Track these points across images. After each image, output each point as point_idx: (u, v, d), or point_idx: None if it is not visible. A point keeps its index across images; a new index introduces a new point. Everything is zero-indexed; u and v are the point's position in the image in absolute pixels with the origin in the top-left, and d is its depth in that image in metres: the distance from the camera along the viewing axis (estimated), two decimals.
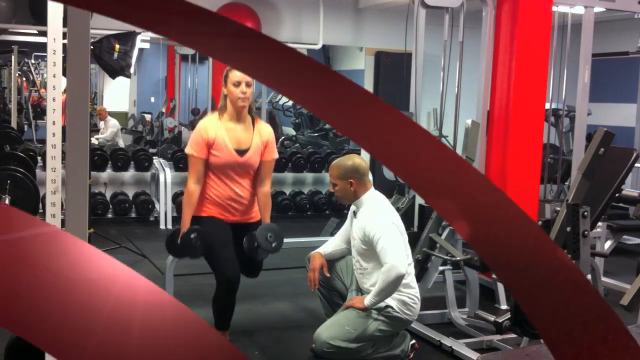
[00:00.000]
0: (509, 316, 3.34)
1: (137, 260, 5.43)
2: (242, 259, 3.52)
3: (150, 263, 5.35)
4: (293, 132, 11.99)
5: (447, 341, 3.85)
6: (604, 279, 4.83)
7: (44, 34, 3.59)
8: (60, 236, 0.47)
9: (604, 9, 5.26)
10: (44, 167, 6.00)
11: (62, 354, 0.42)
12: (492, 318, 3.47)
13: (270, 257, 3.63)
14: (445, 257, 4.06)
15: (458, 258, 3.98)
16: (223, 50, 0.48)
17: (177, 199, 7.16)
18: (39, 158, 6.55)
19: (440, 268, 4.23)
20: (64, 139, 2.30)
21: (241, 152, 3.55)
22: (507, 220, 0.49)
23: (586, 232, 3.18)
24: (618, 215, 5.90)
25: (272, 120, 11.57)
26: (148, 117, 11.81)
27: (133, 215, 7.30)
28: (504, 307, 3.90)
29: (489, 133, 4.83)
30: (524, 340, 3.52)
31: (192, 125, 10.33)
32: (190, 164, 3.55)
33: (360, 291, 3.60)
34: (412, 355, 3.64)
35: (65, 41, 2.05)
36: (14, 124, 8.95)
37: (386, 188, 4.54)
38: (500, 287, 4.11)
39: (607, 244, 5.35)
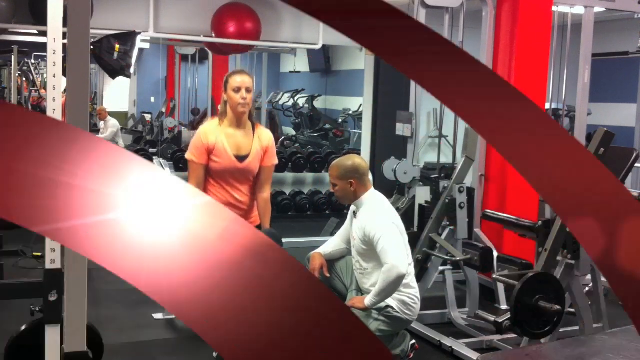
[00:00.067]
0: (509, 316, 3.34)
1: None
2: None
3: None
4: (293, 132, 12.00)
5: (447, 341, 3.85)
6: (604, 278, 4.82)
7: (44, 34, 3.59)
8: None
9: (604, 9, 5.26)
10: None
11: None
12: (492, 318, 3.47)
13: None
14: (445, 257, 4.06)
15: (458, 258, 3.98)
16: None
17: None
18: None
19: (440, 268, 4.23)
20: None
21: (241, 158, 3.55)
22: None
23: None
24: None
25: (272, 121, 11.57)
26: (148, 117, 11.82)
27: None
28: (504, 307, 3.90)
29: None
30: (524, 340, 3.51)
31: (192, 125, 10.33)
32: (190, 170, 3.56)
33: (360, 291, 3.59)
34: (412, 355, 3.63)
35: (65, 41, 2.04)
36: None
37: (386, 188, 4.54)
38: (500, 287, 4.11)
39: None
